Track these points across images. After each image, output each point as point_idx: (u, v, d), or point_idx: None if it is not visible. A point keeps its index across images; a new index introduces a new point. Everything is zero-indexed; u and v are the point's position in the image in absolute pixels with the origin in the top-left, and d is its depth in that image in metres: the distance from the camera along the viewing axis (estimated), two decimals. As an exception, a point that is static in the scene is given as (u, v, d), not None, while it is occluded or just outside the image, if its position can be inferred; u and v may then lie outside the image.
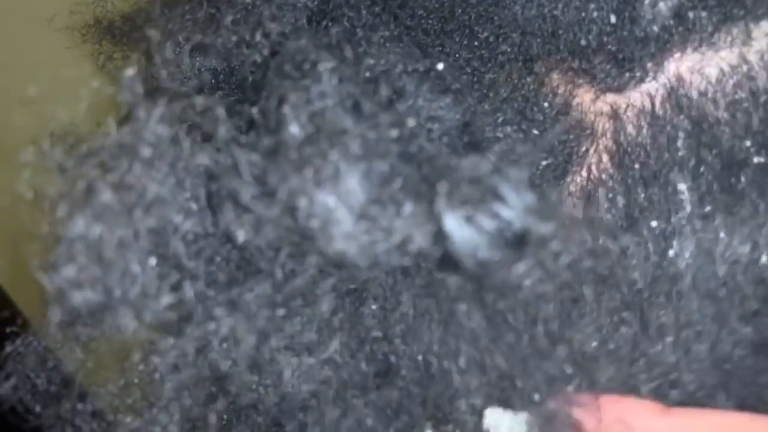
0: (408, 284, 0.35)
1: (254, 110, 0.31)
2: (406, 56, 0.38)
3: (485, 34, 0.41)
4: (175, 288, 0.29)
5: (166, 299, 0.29)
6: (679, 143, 0.37)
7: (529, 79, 0.41)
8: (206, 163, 0.30)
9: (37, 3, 0.62)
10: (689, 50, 0.38)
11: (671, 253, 0.36)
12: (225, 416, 0.38)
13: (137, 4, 0.52)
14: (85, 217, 0.27)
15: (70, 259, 0.27)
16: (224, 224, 0.30)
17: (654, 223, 0.37)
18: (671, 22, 0.38)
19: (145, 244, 0.28)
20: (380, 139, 0.28)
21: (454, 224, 0.27)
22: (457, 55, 0.41)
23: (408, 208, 0.27)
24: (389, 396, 0.36)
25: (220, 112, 0.30)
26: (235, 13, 0.38)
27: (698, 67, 0.38)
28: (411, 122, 0.29)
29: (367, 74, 0.34)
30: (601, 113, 0.40)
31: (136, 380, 0.37)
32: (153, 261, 0.28)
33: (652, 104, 0.38)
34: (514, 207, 0.27)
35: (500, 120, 0.40)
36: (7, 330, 0.39)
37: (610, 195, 0.38)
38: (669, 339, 0.35)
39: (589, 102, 0.41)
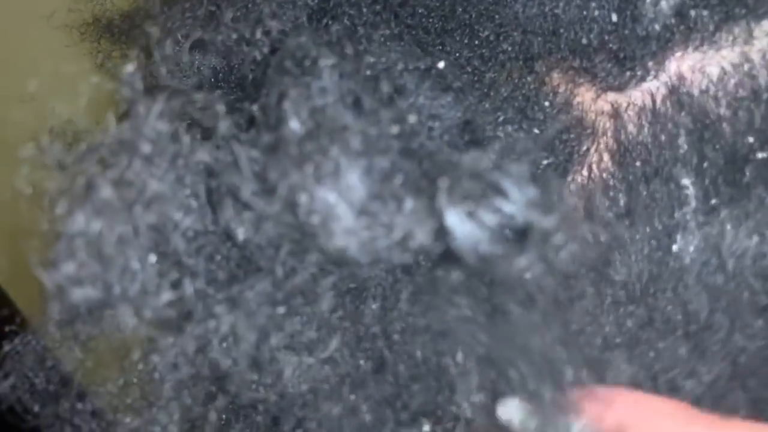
0: (407, 282, 0.35)
1: (254, 107, 0.31)
2: (406, 55, 0.38)
3: (486, 32, 0.41)
4: (175, 285, 0.29)
5: (166, 296, 0.29)
6: (681, 140, 0.37)
7: (529, 78, 0.41)
8: (206, 159, 0.30)
9: (36, 1, 0.62)
10: (690, 49, 0.38)
11: (675, 248, 0.36)
12: (224, 415, 0.38)
13: (136, 3, 0.52)
14: (85, 214, 0.27)
15: (70, 255, 0.27)
16: (224, 222, 0.30)
17: (656, 219, 0.36)
18: (673, 20, 0.38)
19: (145, 240, 0.28)
20: (381, 135, 0.28)
21: (455, 220, 0.27)
22: (457, 54, 0.41)
23: (409, 204, 0.27)
24: (388, 393, 0.35)
25: (220, 108, 0.30)
26: (235, 11, 0.38)
27: (699, 66, 0.38)
28: (412, 119, 0.29)
29: (368, 72, 0.33)
30: (602, 112, 0.40)
31: (135, 379, 0.36)
32: (153, 258, 0.28)
33: (653, 102, 0.38)
34: (515, 201, 0.26)
35: (501, 119, 0.40)
36: (6, 329, 0.39)
37: (612, 193, 0.38)
38: (678, 332, 0.35)
39: (590, 101, 0.41)
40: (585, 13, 0.38)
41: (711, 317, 0.35)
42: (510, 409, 0.34)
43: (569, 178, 0.40)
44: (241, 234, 0.30)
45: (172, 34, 0.36)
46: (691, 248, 0.36)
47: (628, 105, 0.39)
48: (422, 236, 0.27)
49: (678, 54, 0.38)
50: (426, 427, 0.36)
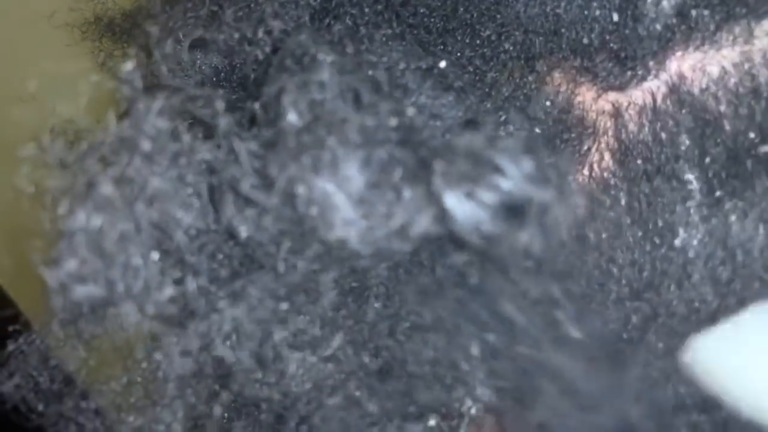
0: (410, 278, 0.35)
1: (256, 106, 0.31)
2: (408, 54, 0.38)
3: (487, 32, 0.41)
4: (178, 283, 0.29)
5: (169, 293, 0.29)
6: (683, 137, 0.37)
7: (531, 78, 0.41)
8: (207, 157, 0.30)
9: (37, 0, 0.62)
10: (691, 48, 0.38)
11: (678, 242, 0.36)
12: (228, 413, 0.38)
13: (138, 2, 0.52)
14: (87, 211, 0.27)
15: (73, 253, 0.27)
16: (226, 219, 0.30)
17: (659, 215, 0.37)
18: (674, 20, 0.38)
19: (147, 238, 0.28)
20: (379, 126, 0.28)
21: (454, 201, 0.27)
22: (459, 54, 0.41)
23: (407, 192, 0.27)
24: (393, 388, 0.36)
25: (220, 104, 0.30)
26: (237, 10, 0.38)
27: (700, 66, 0.38)
28: (410, 111, 0.29)
29: (369, 71, 0.34)
30: (603, 111, 0.40)
31: (138, 378, 0.37)
32: (155, 255, 0.29)
33: (654, 101, 0.38)
34: (512, 176, 0.27)
35: (502, 118, 0.40)
36: (10, 328, 0.39)
37: (613, 192, 0.38)
38: (684, 326, 0.35)
39: (591, 100, 0.41)
40: (586, 12, 0.38)
41: (719, 310, 0.35)
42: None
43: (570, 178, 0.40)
44: (243, 231, 0.30)
45: (174, 33, 0.36)
46: (695, 242, 0.36)
47: (629, 104, 0.39)
48: (422, 223, 0.27)
49: (679, 53, 0.39)
50: (432, 422, 0.36)
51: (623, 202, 0.38)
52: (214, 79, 0.41)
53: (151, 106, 0.28)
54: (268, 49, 0.37)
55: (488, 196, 0.27)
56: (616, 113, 0.40)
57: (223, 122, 0.30)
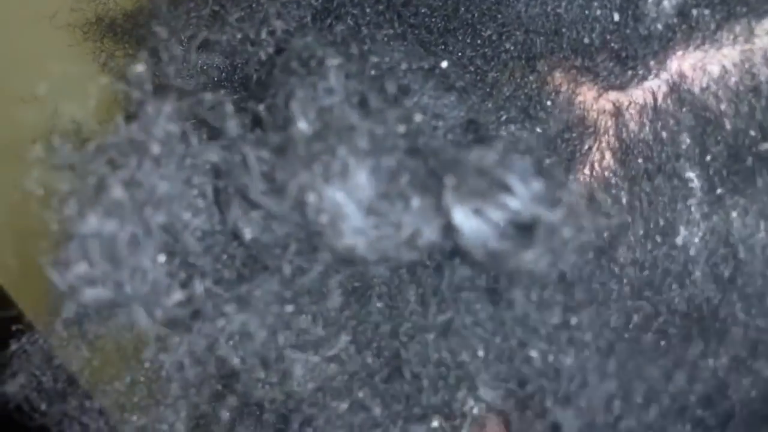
0: (415, 279, 0.35)
1: (260, 107, 0.31)
2: (410, 54, 0.38)
3: (489, 32, 0.41)
4: (185, 285, 0.30)
5: (176, 296, 0.29)
6: (683, 136, 0.37)
7: (532, 78, 0.42)
8: (214, 160, 0.30)
9: (39, 0, 0.62)
10: (692, 48, 0.38)
11: (679, 240, 0.37)
12: (231, 414, 0.38)
13: (139, 2, 0.52)
14: (97, 214, 0.27)
15: (82, 256, 0.27)
16: (232, 222, 0.30)
17: (660, 213, 0.37)
18: (675, 20, 0.38)
19: (156, 241, 0.28)
20: (388, 135, 0.28)
21: (462, 217, 0.27)
22: (460, 54, 0.42)
23: (416, 202, 0.27)
24: (397, 389, 0.36)
25: (228, 107, 0.30)
26: (240, 11, 0.38)
27: (700, 65, 0.38)
28: (418, 117, 0.29)
29: (373, 72, 0.34)
30: (604, 111, 0.41)
31: (142, 378, 0.37)
32: (162, 258, 0.29)
33: (655, 100, 0.38)
34: (521, 196, 0.27)
35: (504, 118, 0.40)
36: (13, 328, 0.39)
37: (614, 191, 0.38)
38: (687, 323, 0.35)
39: (592, 100, 0.41)
40: (587, 12, 0.38)
41: (722, 307, 0.35)
42: None
43: (571, 177, 0.41)
44: (248, 234, 0.31)
45: (177, 34, 0.37)
46: (696, 239, 0.36)
47: (630, 103, 0.39)
48: (430, 234, 0.27)
49: (679, 53, 0.39)
50: (435, 423, 0.36)
51: (624, 201, 0.38)
52: (217, 79, 0.41)
53: (161, 109, 0.29)
54: (271, 50, 0.37)
55: (496, 214, 0.27)
56: (617, 112, 0.40)
57: (232, 126, 0.30)
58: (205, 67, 0.39)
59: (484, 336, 0.34)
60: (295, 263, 0.31)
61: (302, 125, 0.28)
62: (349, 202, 0.27)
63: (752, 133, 0.36)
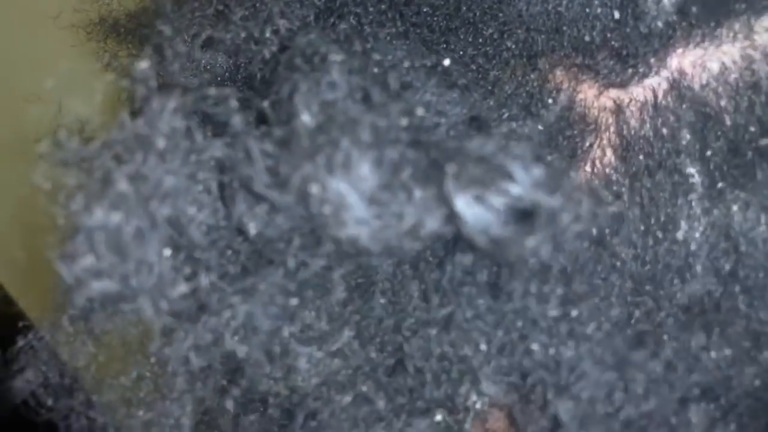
0: (418, 275, 0.36)
1: (264, 104, 0.31)
2: (412, 52, 0.38)
3: (490, 30, 0.41)
4: (190, 278, 0.30)
5: (182, 289, 0.29)
6: (684, 132, 0.37)
7: (533, 76, 0.42)
8: (219, 155, 0.30)
9: (41, 1, 0.62)
10: (692, 45, 0.39)
11: (680, 235, 0.37)
12: (236, 408, 0.38)
13: (143, 2, 0.52)
14: (103, 208, 0.28)
15: (89, 249, 0.27)
16: (237, 217, 0.31)
17: (661, 209, 0.37)
18: (674, 17, 0.38)
19: (162, 234, 0.28)
20: (390, 127, 0.28)
21: (464, 204, 0.27)
22: (462, 52, 0.42)
23: (418, 193, 0.28)
24: (400, 383, 0.36)
25: (233, 103, 0.30)
26: (243, 10, 0.38)
27: (700, 62, 0.39)
28: (420, 111, 0.30)
29: (375, 69, 0.34)
30: (605, 108, 0.41)
31: (148, 372, 0.37)
32: (168, 251, 0.29)
33: (655, 97, 0.39)
34: (522, 182, 0.27)
35: (505, 115, 0.41)
36: (20, 324, 0.40)
37: (615, 188, 0.38)
38: (688, 318, 0.35)
39: (593, 97, 0.41)
40: (588, 10, 0.38)
41: (723, 300, 0.36)
42: None
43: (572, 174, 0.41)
44: (252, 228, 0.31)
45: (182, 33, 0.37)
46: (697, 234, 0.37)
47: (630, 100, 0.40)
48: (432, 224, 0.28)
49: (679, 50, 0.39)
50: (438, 417, 0.37)
51: (625, 197, 0.38)
52: (221, 77, 0.41)
53: (165, 104, 0.29)
54: (274, 48, 0.37)
55: (498, 201, 0.27)
56: (618, 110, 0.40)
57: (237, 121, 0.30)
58: (208, 66, 0.40)
59: (486, 329, 0.34)
60: (299, 257, 0.31)
61: (305, 118, 0.28)
62: (352, 193, 0.27)
63: (752, 128, 0.36)
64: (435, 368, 0.36)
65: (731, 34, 0.38)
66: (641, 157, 0.38)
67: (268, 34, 0.37)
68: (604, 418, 0.34)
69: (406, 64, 0.37)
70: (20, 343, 0.38)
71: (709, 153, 0.37)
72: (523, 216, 0.28)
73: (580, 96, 0.41)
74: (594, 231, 0.37)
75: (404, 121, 0.29)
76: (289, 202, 0.28)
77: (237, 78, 0.41)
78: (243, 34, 0.37)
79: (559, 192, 0.27)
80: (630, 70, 0.39)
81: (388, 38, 0.40)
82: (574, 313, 0.34)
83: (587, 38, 0.39)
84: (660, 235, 0.37)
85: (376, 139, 0.28)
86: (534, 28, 0.40)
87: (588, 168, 0.40)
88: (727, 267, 0.36)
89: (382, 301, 0.36)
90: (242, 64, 0.40)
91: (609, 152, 0.40)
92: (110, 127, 0.30)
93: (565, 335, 0.34)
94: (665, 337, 0.35)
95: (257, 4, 0.39)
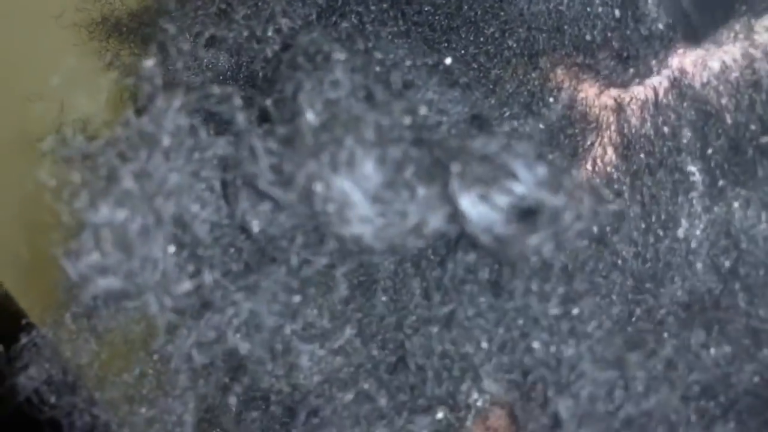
0: (419, 273, 0.36)
1: (268, 102, 0.32)
2: (414, 51, 0.39)
3: (491, 29, 0.41)
4: (193, 276, 0.30)
5: (186, 286, 0.29)
6: (684, 130, 0.37)
7: (534, 75, 0.42)
8: (222, 153, 0.30)
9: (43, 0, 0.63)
10: (692, 45, 0.39)
11: (681, 233, 0.37)
12: (238, 406, 0.39)
13: (145, 1, 0.52)
14: (109, 205, 0.28)
15: (94, 245, 0.28)
16: (240, 214, 0.31)
17: (662, 207, 0.37)
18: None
19: (166, 231, 0.29)
20: (394, 126, 0.28)
21: (468, 203, 0.27)
22: (463, 51, 0.42)
23: (422, 191, 0.28)
24: (402, 381, 0.36)
25: (237, 101, 0.30)
26: (246, 9, 0.38)
27: (701, 61, 0.39)
28: (423, 110, 0.30)
29: (378, 68, 0.34)
30: (606, 107, 0.41)
31: (151, 370, 0.37)
32: (172, 249, 0.29)
33: (656, 96, 0.39)
34: (526, 181, 0.27)
35: (507, 114, 0.41)
36: (23, 321, 0.40)
37: (616, 186, 0.39)
38: (687, 316, 0.36)
39: (594, 96, 0.41)
40: (589, 9, 0.39)
41: (723, 297, 0.36)
42: None
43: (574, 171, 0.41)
44: (256, 226, 0.31)
45: (185, 31, 0.37)
46: (698, 232, 0.37)
47: (631, 99, 0.40)
48: (435, 222, 0.28)
49: (680, 50, 0.39)
50: (439, 415, 0.37)
51: (626, 195, 0.38)
52: (222, 76, 0.41)
53: (170, 102, 0.29)
54: (277, 47, 0.37)
55: (502, 199, 0.27)
56: (619, 108, 0.40)
57: (240, 119, 0.30)
58: (211, 65, 0.40)
59: (487, 327, 0.34)
60: (302, 255, 0.31)
61: (309, 116, 0.28)
62: (356, 191, 0.27)
63: (753, 126, 0.36)
64: (436, 366, 0.36)
65: (732, 34, 0.38)
66: (642, 155, 0.38)
67: (270, 33, 0.37)
68: (604, 416, 0.34)
69: (408, 62, 0.37)
70: (23, 340, 0.38)
71: (709, 151, 0.37)
72: (526, 214, 0.28)
73: (581, 95, 0.42)
74: (595, 229, 0.37)
75: (407, 120, 0.29)
76: (293, 199, 0.29)
77: (239, 76, 0.41)
78: (246, 33, 0.38)
79: (562, 191, 0.27)
80: (631, 71, 0.40)
81: (390, 37, 0.40)
82: (575, 311, 0.35)
83: (588, 37, 0.39)
84: (661, 233, 0.37)
85: (380, 137, 0.28)
86: (535, 27, 0.40)
87: (589, 166, 0.41)
88: (728, 264, 0.36)
89: (384, 298, 0.37)
90: (245, 63, 0.40)
91: (610, 151, 0.40)
92: (114, 125, 0.30)
93: (565, 333, 0.34)
94: (665, 335, 0.35)
95: (260, 3, 0.39)
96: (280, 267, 0.32)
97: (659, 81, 0.39)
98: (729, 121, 0.37)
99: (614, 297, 0.37)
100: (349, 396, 0.36)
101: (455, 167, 0.27)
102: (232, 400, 0.37)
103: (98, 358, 0.37)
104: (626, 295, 0.37)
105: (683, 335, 0.35)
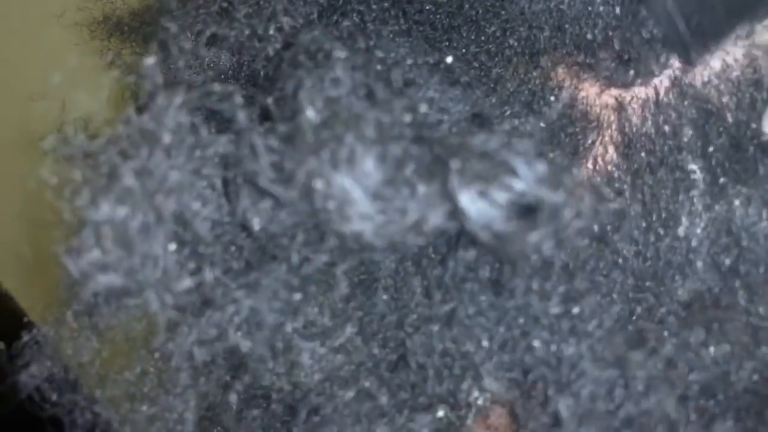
0: (420, 271, 0.36)
1: (269, 100, 0.32)
2: (415, 50, 0.39)
3: (492, 28, 0.41)
4: (194, 273, 0.30)
5: (186, 283, 0.29)
6: (685, 129, 0.38)
7: (535, 73, 0.42)
8: (223, 150, 0.31)
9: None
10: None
11: (681, 231, 0.37)
12: (239, 403, 0.39)
13: (146, 0, 0.53)
14: (110, 202, 0.28)
15: (95, 243, 0.28)
16: (241, 212, 0.31)
17: (663, 206, 0.37)
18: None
19: (167, 229, 0.29)
20: (394, 123, 0.28)
21: (468, 200, 0.27)
22: (465, 50, 0.42)
23: (422, 188, 0.28)
24: (403, 379, 0.36)
25: (238, 99, 0.30)
26: (247, 7, 0.38)
27: (702, 60, 0.39)
28: (424, 108, 0.30)
29: (379, 66, 0.34)
30: (607, 106, 0.41)
31: (152, 368, 0.37)
32: (173, 246, 0.29)
33: (657, 95, 0.39)
34: (525, 178, 0.27)
35: (508, 112, 0.41)
36: (25, 319, 0.40)
37: (617, 185, 0.39)
38: (688, 314, 0.36)
39: (595, 95, 0.41)
40: (590, 8, 0.39)
41: (723, 295, 0.36)
42: None
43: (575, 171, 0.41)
44: (257, 224, 0.31)
45: (186, 30, 0.37)
46: (698, 230, 0.37)
47: (632, 98, 0.40)
48: (435, 219, 0.28)
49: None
50: (440, 413, 0.37)
51: (627, 194, 0.38)
52: (223, 75, 0.41)
53: (171, 100, 0.29)
54: (278, 45, 0.37)
55: (501, 196, 0.27)
56: (620, 107, 0.40)
57: (241, 117, 0.30)
58: (212, 63, 0.40)
59: (488, 326, 0.34)
60: (303, 253, 0.31)
61: (310, 114, 0.28)
62: (357, 188, 0.27)
63: (754, 124, 0.36)
64: (437, 364, 0.36)
65: (733, 36, 0.38)
66: (643, 154, 0.38)
67: (271, 32, 0.37)
68: (604, 415, 0.34)
69: (409, 61, 0.37)
70: (25, 338, 0.38)
71: (710, 149, 0.37)
72: (526, 212, 0.28)
73: (582, 93, 0.42)
74: (596, 228, 0.37)
75: (407, 118, 0.29)
76: (294, 197, 0.29)
77: (241, 75, 0.41)
78: (247, 32, 0.38)
79: (562, 188, 0.27)
80: (632, 73, 0.40)
81: (391, 35, 0.40)
82: (575, 309, 0.35)
83: (589, 36, 0.39)
84: (661, 231, 0.37)
85: (380, 135, 0.28)
86: (536, 26, 0.40)
87: (590, 165, 0.41)
88: (728, 262, 0.36)
89: (385, 297, 0.37)
90: (246, 61, 0.40)
91: (611, 149, 0.40)
92: (115, 123, 0.30)
93: (566, 332, 0.34)
94: (665, 333, 0.35)
95: (261, 2, 0.39)
96: (281, 265, 0.32)
97: (660, 79, 0.39)
98: (730, 119, 0.37)
99: (615, 296, 0.37)
100: (350, 394, 0.36)
101: (455, 164, 0.27)
102: (233, 398, 0.37)
103: (99, 356, 0.37)
104: (627, 294, 0.37)
105: (683, 334, 0.35)
